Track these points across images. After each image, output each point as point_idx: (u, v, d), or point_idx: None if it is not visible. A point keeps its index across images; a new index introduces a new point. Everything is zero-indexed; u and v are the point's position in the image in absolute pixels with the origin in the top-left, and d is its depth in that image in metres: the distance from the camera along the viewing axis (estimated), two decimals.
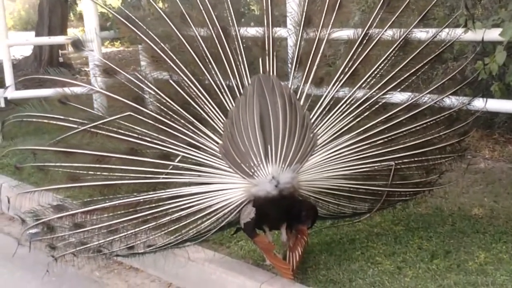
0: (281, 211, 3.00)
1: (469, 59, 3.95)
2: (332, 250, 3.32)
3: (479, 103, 3.47)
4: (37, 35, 9.44)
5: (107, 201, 3.05)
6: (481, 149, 4.82)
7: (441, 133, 3.33)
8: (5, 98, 5.85)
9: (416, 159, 3.31)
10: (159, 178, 3.03)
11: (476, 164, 4.54)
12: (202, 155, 3.05)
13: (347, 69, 3.19)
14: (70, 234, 3.12)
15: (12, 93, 5.83)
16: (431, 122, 3.30)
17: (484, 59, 3.91)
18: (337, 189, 3.14)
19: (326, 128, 3.15)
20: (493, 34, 3.85)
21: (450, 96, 3.36)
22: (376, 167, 3.20)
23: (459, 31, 3.59)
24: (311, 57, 3.20)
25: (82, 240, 3.14)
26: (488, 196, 3.99)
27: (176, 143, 3.06)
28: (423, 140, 3.28)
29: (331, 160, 3.10)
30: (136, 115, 3.05)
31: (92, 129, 3.04)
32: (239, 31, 3.24)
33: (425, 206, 3.84)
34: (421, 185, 3.47)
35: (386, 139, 3.20)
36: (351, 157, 3.13)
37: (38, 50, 9.37)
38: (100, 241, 3.11)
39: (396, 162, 3.19)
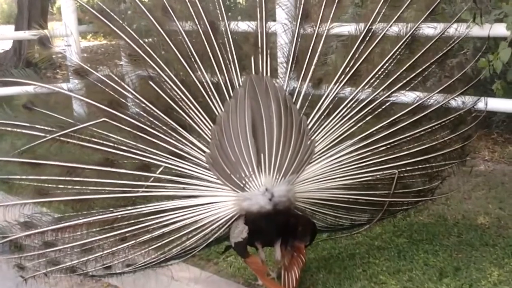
0: (275, 226, 2.65)
1: (469, 56, 3.58)
2: (331, 267, 2.94)
3: (481, 104, 3.10)
4: (16, 29, 8.89)
5: (80, 218, 2.69)
6: (480, 150, 4.46)
7: (445, 138, 3.01)
8: None
9: (419, 166, 2.98)
10: (138, 191, 2.67)
11: (476, 167, 4.19)
12: (187, 165, 2.68)
13: (348, 68, 2.82)
14: (40, 253, 2.75)
15: None
16: (436, 126, 2.97)
17: (487, 56, 3.53)
18: (335, 200, 2.80)
19: (325, 134, 2.79)
20: (497, 30, 3.51)
21: (456, 98, 3.00)
22: (378, 176, 2.86)
23: (466, 27, 3.19)
24: (308, 55, 2.81)
25: (53, 260, 2.78)
26: (492, 202, 3.65)
27: (158, 152, 2.69)
28: (428, 145, 2.95)
29: (330, 169, 2.76)
30: (111, 121, 2.66)
31: (61, 138, 2.64)
32: (229, 25, 2.84)
33: (427, 214, 3.49)
34: (423, 193, 3.14)
35: (389, 146, 2.86)
36: (352, 165, 2.79)
37: (17, 45, 8.84)
38: (73, 261, 2.76)
39: (399, 170, 2.85)
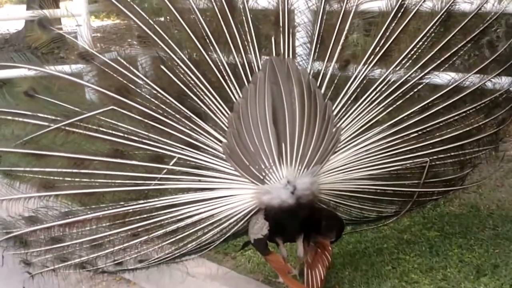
0: (298, 221, 2.45)
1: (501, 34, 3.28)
2: (357, 263, 2.71)
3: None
4: (28, 8, 8.66)
5: (89, 212, 2.51)
6: (510, 133, 4.15)
7: (480, 123, 2.78)
8: None
9: (452, 153, 2.77)
10: (151, 184, 2.48)
11: (507, 151, 3.88)
12: (202, 156, 2.48)
13: (378, 48, 2.58)
14: (47, 249, 2.59)
15: None
16: (471, 110, 2.73)
17: None
18: (361, 192, 2.60)
19: (352, 121, 2.58)
20: None
21: (492, 80, 2.75)
22: (408, 165, 2.65)
23: (501, 2, 2.89)
24: (334, 34, 2.56)
25: (61, 256, 2.62)
26: None
27: (171, 142, 2.48)
28: (461, 131, 2.73)
29: (357, 158, 2.55)
30: (120, 110, 2.44)
31: (66, 127, 2.43)
32: (247, 2, 2.59)
33: (458, 204, 3.24)
34: (454, 182, 2.92)
35: (420, 132, 2.65)
36: (380, 154, 2.58)
37: (30, 25, 8.62)
38: (82, 257, 2.60)
39: (430, 158, 2.64)
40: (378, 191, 2.63)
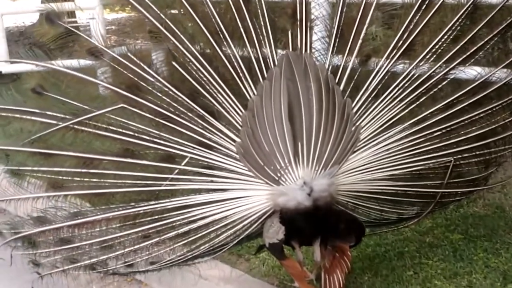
0: (315, 224, 2.34)
1: None
2: (377, 268, 2.60)
3: None
4: (42, 1, 8.62)
5: (99, 213, 2.44)
6: None
7: (506, 120, 2.63)
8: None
9: (477, 152, 2.64)
10: (162, 185, 2.40)
11: None
12: (215, 156, 2.39)
13: (401, 42, 2.45)
14: (56, 250, 2.54)
15: (7, 67, 5.04)
16: (497, 107, 2.59)
17: None
18: (381, 193, 2.49)
19: (372, 119, 2.46)
20: None
21: None
22: (430, 165, 2.53)
23: None
24: (355, 28, 2.43)
25: (70, 257, 2.56)
26: None
27: (183, 141, 2.39)
28: (487, 129, 2.59)
29: (377, 158, 2.44)
30: (130, 108, 2.35)
31: (75, 126, 2.36)
32: None
33: (482, 205, 3.11)
34: (477, 182, 2.79)
35: (444, 130, 2.53)
36: (402, 153, 2.47)
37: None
38: (92, 259, 2.54)
39: (454, 157, 2.52)
40: (399, 192, 2.51)
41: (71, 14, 6.94)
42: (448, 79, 2.53)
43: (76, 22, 6.55)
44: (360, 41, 2.43)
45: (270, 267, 2.71)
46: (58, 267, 2.58)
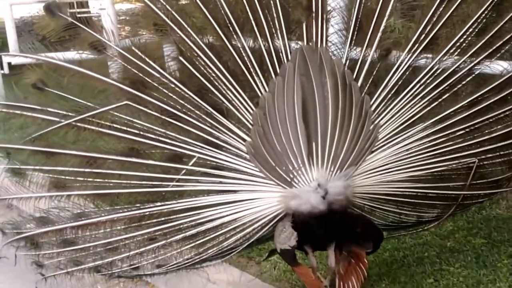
0: (329, 228, 2.22)
1: None
2: (395, 274, 2.48)
3: None
4: None
5: (103, 214, 2.35)
6: None
7: None
8: (9, 64, 5.05)
9: (502, 152, 2.47)
10: (168, 185, 2.30)
11: None
12: (224, 156, 2.28)
13: (423, 36, 2.30)
14: (59, 252, 2.46)
15: (16, 58, 4.96)
16: None
17: None
18: (400, 195, 2.36)
19: (392, 117, 2.32)
20: None
21: None
22: (453, 166, 2.39)
23: None
24: (374, 20, 2.28)
25: (74, 259, 2.49)
26: None
27: (190, 141, 2.28)
28: None
29: (396, 158, 2.31)
30: (135, 105, 2.24)
31: (78, 123, 2.25)
32: None
33: (506, 207, 2.96)
34: (501, 182, 2.62)
35: (467, 129, 2.38)
36: (423, 154, 2.34)
37: None
38: (97, 261, 2.46)
39: (478, 157, 2.38)
40: (419, 194, 2.38)
41: (83, 4, 6.84)
42: (473, 75, 2.38)
43: (89, 12, 6.43)
44: (379, 34, 2.29)
45: (282, 271, 2.60)
46: (62, 269, 2.50)
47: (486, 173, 2.53)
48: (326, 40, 2.34)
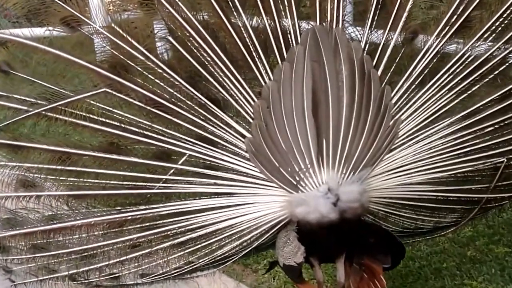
0: (340, 238, 1.98)
1: None
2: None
3: None
4: None
5: (78, 218, 2.11)
6: None
7: None
8: None
9: None
10: (154, 187, 2.07)
11: None
12: (220, 154, 2.05)
13: (455, 17, 2.02)
14: (29, 258, 2.22)
15: None
16: None
17: None
18: (419, 199, 2.13)
19: (415, 111, 2.08)
20: None
21: None
22: (479, 166, 2.14)
23: None
24: None
25: (46, 267, 2.25)
26: None
27: (180, 136, 2.05)
28: None
29: (417, 158, 2.08)
30: (115, 93, 1.96)
31: (49, 113, 1.98)
32: None
33: None
34: None
35: (497, 126, 2.14)
36: (447, 153, 2.10)
37: None
38: (71, 270, 2.23)
39: (507, 157, 2.13)
40: (439, 198, 2.15)
41: None
42: (506, 64, 2.10)
43: None
44: (405, 14, 2.02)
45: (282, 282, 2.38)
46: (34, 276, 2.25)
47: (510, 174, 2.24)
48: (343, 20, 2.07)
